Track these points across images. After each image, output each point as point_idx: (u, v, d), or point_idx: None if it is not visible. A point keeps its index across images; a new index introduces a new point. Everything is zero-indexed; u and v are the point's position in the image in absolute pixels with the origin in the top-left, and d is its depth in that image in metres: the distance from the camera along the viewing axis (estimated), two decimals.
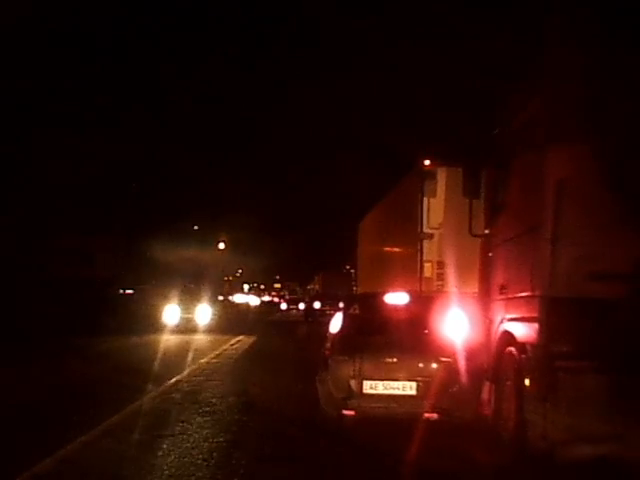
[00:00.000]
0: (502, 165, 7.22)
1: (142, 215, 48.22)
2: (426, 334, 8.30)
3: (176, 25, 52.80)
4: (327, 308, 39.28)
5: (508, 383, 6.82)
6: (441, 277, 12.13)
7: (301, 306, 51.37)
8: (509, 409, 6.70)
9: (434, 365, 7.89)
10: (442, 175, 12.19)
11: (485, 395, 7.63)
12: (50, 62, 32.56)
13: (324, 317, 35.48)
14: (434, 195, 12.28)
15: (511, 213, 7.17)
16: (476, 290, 8.95)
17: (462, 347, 7.95)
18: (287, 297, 71.63)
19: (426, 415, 7.62)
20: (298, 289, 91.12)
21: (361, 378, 7.85)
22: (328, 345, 8.56)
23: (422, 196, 12.48)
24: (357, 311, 9.27)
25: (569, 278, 5.78)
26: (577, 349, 5.69)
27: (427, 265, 12.37)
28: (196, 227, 64.63)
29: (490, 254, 8.01)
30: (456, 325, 8.24)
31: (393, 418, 7.85)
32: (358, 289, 24.60)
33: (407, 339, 8.11)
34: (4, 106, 29.31)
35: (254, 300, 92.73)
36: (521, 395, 6.32)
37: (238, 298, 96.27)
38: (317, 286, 66.27)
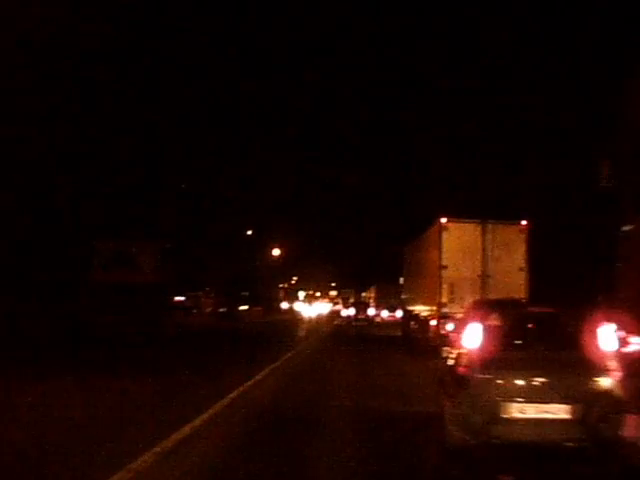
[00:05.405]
0: None
1: (192, 218, 47.30)
2: (580, 350, 7.32)
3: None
4: (360, 314, 53.69)
5: None
6: (452, 292, 19.62)
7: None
8: None
9: (593, 385, 7.05)
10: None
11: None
12: (85, 57, 31.91)
13: (358, 322, 50.89)
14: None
15: None
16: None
17: (619, 366, 7.25)
18: (346, 304, 74.69)
19: (581, 443, 6.87)
20: (353, 297, 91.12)
21: (509, 400, 6.95)
22: (464, 361, 7.56)
23: (440, 242, 19.93)
24: (497, 322, 8.05)
25: None
26: None
27: (444, 286, 19.79)
28: (250, 232, 64.12)
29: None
30: (610, 342, 7.46)
31: (543, 446, 7.02)
32: (404, 297, 31.79)
33: (558, 355, 7.33)
34: (46, 105, 28.88)
35: (320, 309, 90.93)
36: None
37: (301, 308, 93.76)
38: (372, 295, 66.47)
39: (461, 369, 7.52)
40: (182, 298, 49.18)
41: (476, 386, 7.13)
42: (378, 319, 55.01)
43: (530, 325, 7.90)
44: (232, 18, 50.89)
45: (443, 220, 19.94)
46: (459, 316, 18.89)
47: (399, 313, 40.87)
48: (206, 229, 50.47)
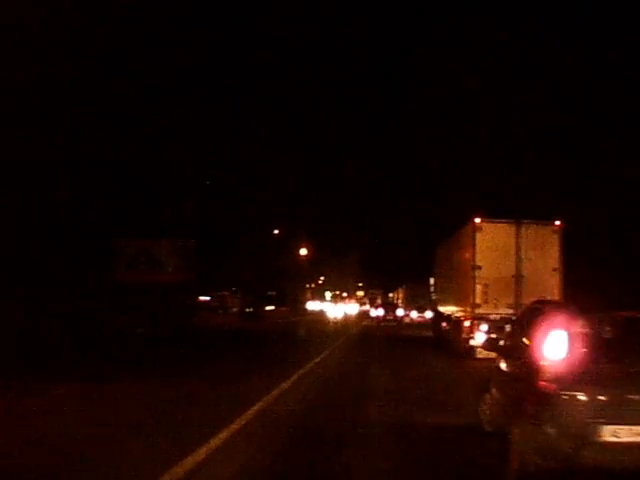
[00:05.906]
0: None
1: (217, 217, 46.62)
2: None
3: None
4: (388, 315, 55.47)
5: None
6: (486, 293, 19.57)
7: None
8: None
9: None
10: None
11: None
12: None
13: (386, 322, 52.61)
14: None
15: None
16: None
17: None
18: (374, 305, 75.36)
19: None
20: (380, 298, 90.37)
21: (601, 421, 6.01)
22: (547, 375, 6.44)
23: (474, 242, 19.78)
24: (583, 329, 7.02)
25: None
26: None
27: (478, 286, 19.61)
28: (276, 231, 63.51)
29: None
30: None
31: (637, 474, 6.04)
32: (435, 297, 31.67)
33: None
34: (76, 106, 28.83)
35: (348, 309, 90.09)
36: None
37: (328, 308, 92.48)
38: (400, 295, 65.90)
39: (543, 384, 6.40)
40: (207, 298, 48.64)
41: (564, 405, 6.14)
42: (407, 320, 54.48)
43: (623, 333, 7.00)
44: (233, 18, 50.32)
45: (477, 220, 19.89)
46: (493, 317, 18.86)
47: (428, 314, 40.43)
48: (232, 228, 49.83)
